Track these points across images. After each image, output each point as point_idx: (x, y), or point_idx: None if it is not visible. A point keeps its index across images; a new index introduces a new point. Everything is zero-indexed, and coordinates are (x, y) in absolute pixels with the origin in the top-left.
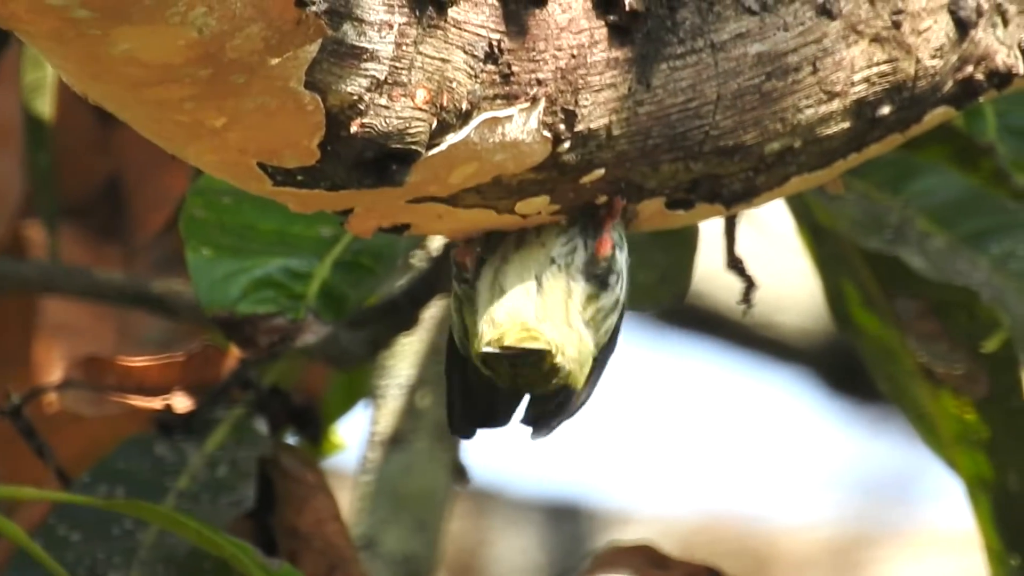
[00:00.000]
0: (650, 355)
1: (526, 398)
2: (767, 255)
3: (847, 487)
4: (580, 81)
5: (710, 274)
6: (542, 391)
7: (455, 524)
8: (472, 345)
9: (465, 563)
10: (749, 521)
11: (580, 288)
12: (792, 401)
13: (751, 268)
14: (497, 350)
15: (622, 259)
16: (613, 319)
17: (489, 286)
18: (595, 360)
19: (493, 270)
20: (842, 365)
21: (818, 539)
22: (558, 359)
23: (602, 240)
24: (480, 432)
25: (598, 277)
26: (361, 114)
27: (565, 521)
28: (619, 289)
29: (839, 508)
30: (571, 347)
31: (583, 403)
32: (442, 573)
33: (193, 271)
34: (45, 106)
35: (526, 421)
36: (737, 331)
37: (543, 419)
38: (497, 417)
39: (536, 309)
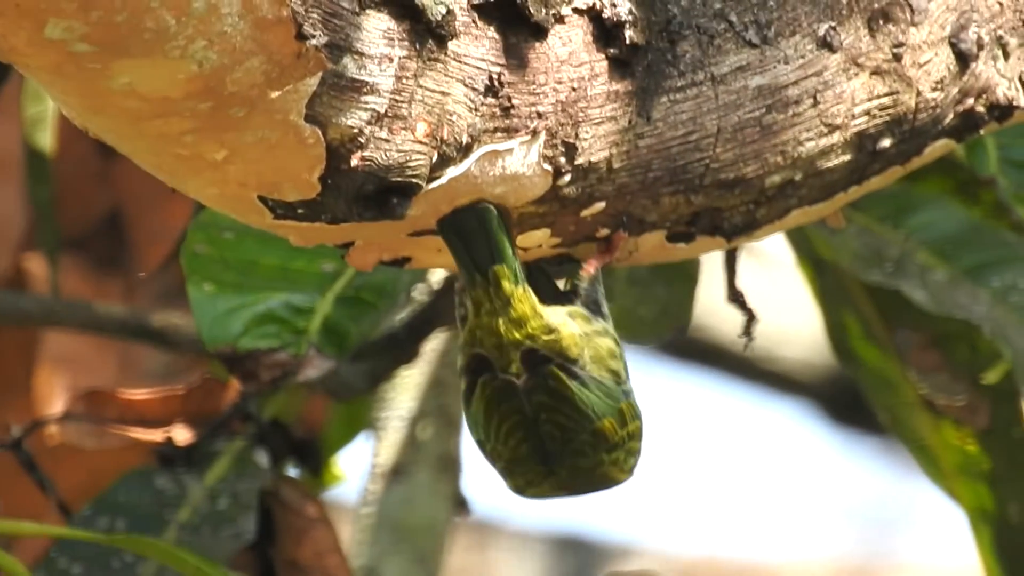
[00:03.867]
0: (653, 388)
1: None
2: (770, 289)
3: (850, 520)
4: (580, 114)
5: (712, 307)
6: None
7: (458, 556)
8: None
9: None
10: (751, 554)
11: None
12: (795, 434)
13: (752, 301)
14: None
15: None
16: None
17: None
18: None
19: None
20: (845, 398)
21: (822, 572)
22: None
23: (589, 263)
24: None
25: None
26: (361, 147)
27: (568, 554)
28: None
29: (842, 541)
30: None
31: None
32: None
33: (195, 307)
34: (46, 139)
35: None
36: (740, 364)
37: None
38: None
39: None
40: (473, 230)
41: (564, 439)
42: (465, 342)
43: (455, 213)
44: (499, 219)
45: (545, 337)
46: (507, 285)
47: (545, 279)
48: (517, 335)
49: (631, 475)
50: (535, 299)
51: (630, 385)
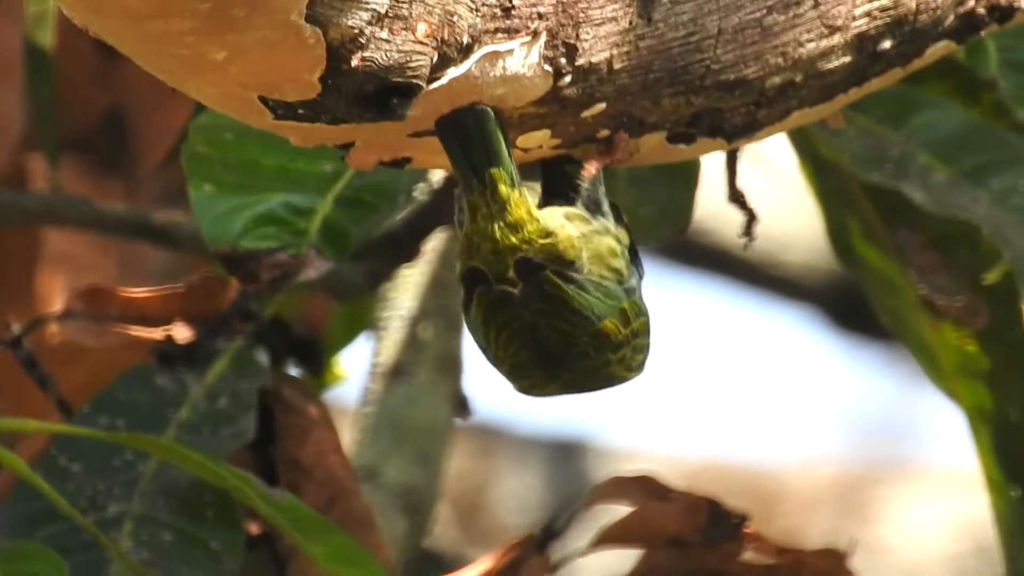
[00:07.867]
0: (655, 292)
1: None
2: (773, 194)
3: (853, 425)
4: (581, 15)
5: (716, 211)
6: None
7: (460, 462)
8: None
9: (471, 501)
10: (754, 459)
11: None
12: (798, 338)
13: (754, 204)
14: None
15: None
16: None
17: None
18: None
19: None
20: (848, 303)
21: (824, 477)
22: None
23: (590, 163)
24: None
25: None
26: (362, 48)
27: (570, 458)
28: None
29: (845, 446)
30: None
31: None
32: (444, 506)
33: (196, 207)
34: (47, 38)
35: None
36: (743, 268)
37: None
38: None
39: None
40: (470, 132)
41: (565, 343)
42: (462, 249)
43: (452, 114)
44: (496, 121)
45: (541, 241)
46: (503, 189)
47: (558, 179)
48: (513, 240)
49: (640, 371)
50: (531, 203)
51: (634, 282)
